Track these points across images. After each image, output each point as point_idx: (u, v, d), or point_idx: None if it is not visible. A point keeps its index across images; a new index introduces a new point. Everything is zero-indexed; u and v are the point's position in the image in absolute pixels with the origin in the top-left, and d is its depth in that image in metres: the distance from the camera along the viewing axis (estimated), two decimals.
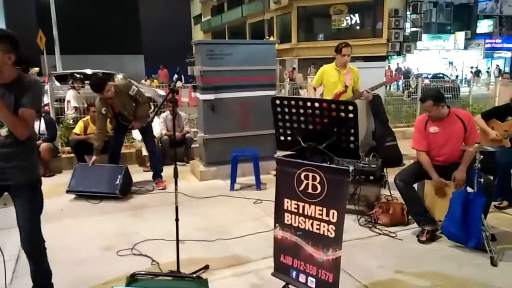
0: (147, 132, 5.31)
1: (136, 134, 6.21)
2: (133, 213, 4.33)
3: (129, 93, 4.99)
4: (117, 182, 4.72)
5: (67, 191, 4.79)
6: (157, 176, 5.30)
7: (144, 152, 6.07)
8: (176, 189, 2.84)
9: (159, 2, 44.20)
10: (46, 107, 7.10)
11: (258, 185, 5.06)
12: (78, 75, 7.91)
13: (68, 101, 7.40)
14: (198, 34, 40.88)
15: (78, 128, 5.83)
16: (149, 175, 5.78)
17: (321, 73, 5.09)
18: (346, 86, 4.90)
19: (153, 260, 3.19)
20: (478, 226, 3.14)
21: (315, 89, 5.16)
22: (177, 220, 2.84)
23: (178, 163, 6.18)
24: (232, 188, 5.05)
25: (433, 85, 12.93)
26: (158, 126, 6.29)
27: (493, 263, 3.05)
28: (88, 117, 5.91)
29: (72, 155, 5.95)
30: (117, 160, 5.34)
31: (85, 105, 6.80)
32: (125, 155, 6.23)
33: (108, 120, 5.19)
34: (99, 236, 3.71)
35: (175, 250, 2.84)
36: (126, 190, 4.88)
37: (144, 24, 40.46)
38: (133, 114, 5.05)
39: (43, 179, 5.59)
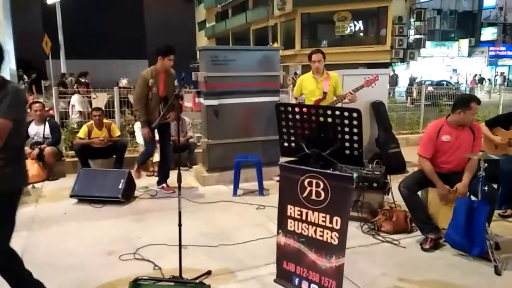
0: (167, 133, 5.13)
1: (140, 138, 6.23)
2: (136, 217, 4.33)
3: (175, 82, 4.86)
4: (120, 186, 4.73)
5: (71, 196, 4.80)
6: (165, 181, 5.27)
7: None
8: (179, 194, 2.84)
9: (164, 7, 44.49)
10: (51, 111, 7.16)
11: (261, 191, 5.05)
12: (83, 80, 7.97)
13: (73, 106, 7.46)
14: (202, 40, 41.08)
15: (82, 132, 5.86)
16: (152, 180, 5.80)
17: (300, 82, 5.19)
18: (325, 93, 4.92)
19: (155, 265, 3.18)
20: (482, 234, 3.12)
21: (296, 98, 5.20)
22: (180, 225, 2.84)
23: (181, 168, 6.20)
24: (235, 193, 5.05)
25: (437, 92, 12.93)
26: None
27: (497, 272, 3.03)
28: (92, 121, 5.93)
29: (76, 159, 5.97)
30: (168, 165, 5.19)
31: (89, 110, 6.84)
32: (128, 159, 6.24)
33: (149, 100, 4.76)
34: (102, 241, 3.71)
35: (177, 255, 2.84)
36: (129, 194, 4.89)
37: (148, 29, 40.75)
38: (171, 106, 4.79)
39: (47, 183, 5.66)
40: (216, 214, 4.44)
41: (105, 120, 6.04)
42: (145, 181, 5.64)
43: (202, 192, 5.21)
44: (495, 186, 3.95)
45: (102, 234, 3.89)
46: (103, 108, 6.70)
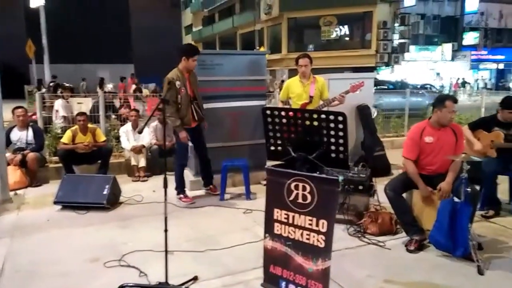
0: (201, 137, 5.00)
1: (125, 143, 6.18)
2: (121, 223, 4.28)
3: (197, 84, 4.84)
4: (105, 192, 4.67)
5: (55, 202, 4.72)
6: (211, 182, 5.25)
7: (133, 162, 6.04)
8: (165, 199, 2.83)
9: (150, 11, 44.26)
10: (34, 116, 7.04)
11: (248, 195, 5.05)
12: (67, 84, 7.87)
13: (57, 111, 7.35)
14: None
15: (66, 138, 5.78)
16: (138, 185, 5.75)
17: (287, 86, 5.21)
18: (311, 97, 4.95)
19: (141, 272, 3.14)
20: (465, 235, 3.17)
21: (283, 102, 5.22)
22: (166, 230, 2.82)
23: (168, 172, 6.15)
24: (222, 198, 5.03)
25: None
26: (148, 136, 6.25)
27: (480, 272, 3.08)
28: (76, 126, 5.86)
29: (60, 165, 5.87)
30: (209, 166, 5.10)
31: (74, 115, 6.75)
32: (113, 165, 6.18)
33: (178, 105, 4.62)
34: (86, 248, 3.65)
35: (163, 261, 2.82)
36: (114, 200, 4.83)
37: (134, 33, 40.45)
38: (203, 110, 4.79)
39: (30, 190, 5.56)
40: (203, 219, 4.42)
41: (89, 125, 5.97)
42: (131, 187, 5.59)
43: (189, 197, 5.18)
44: (478, 187, 4.03)
45: (87, 240, 3.83)
46: (88, 113, 6.62)
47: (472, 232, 3.31)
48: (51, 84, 10.09)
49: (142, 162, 6.06)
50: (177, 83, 4.58)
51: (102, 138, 5.95)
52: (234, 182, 5.44)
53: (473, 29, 28.86)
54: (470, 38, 28.87)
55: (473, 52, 29.09)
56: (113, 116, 7.85)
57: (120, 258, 3.38)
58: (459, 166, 3.47)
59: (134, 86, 16.58)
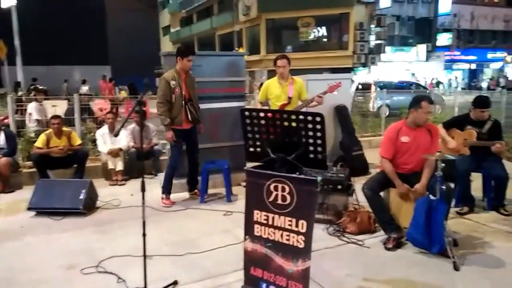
0: (195, 139, 4.97)
1: (102, 147, 6.06)
2: (98, 229, 4.19)
3: (195, 86, 4.85)
4: (81, 197, 4.57)
5: (28, 208, 4.58)
6: (195, 187, 5.21)
7: (111, 166, 5.93)
8: (143, 203, 2.78)
9: (127, 12, 43.66)
10: (6, 120, 6.82)
11: (229, 196, 5.03)
12: (40, 87, 7.66)
13: (30, 114, 7.14)
14: (167, 45, 40.61)
15: (40, 142, 5.61)
16: (115, 189, 5.65)
17: (265, 87, 5.21)
18: (290, 98, 4.98)
19: (119, 278, 3.08)
20: (441, 232, 3.25)
21: (262, 103, 5.23)
22: (144, 235, 2.77)
23: (146, 176, 6.07)
24: (202, 200, 5.00)
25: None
26: (125, 139, 6.15)
27: (456, 268, 3.16)
28: (50, 130, 5.70)
29: (34, 170, 5.71)
30: (196, 172, 5.07)
31: (48, 118, 6.57)
32: (89, 169, 6.05)
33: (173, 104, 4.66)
34: (62, 254, 3.56)
35: (142, 266, 2.77)
36: (90, 205, 4.72)
37: (111, 34, 39.76)
38: (199, 112, 4.82)
39: (2, 196, 5.40)
40: (182, 222, 4.37)
41: (64, 128, 5.82)
42: (108, 191, 5.48)
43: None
44: (452, 185, 4.13)
45: (62, 247, 3.73)
46: (63, 116, 6.46)
47: (448, 229, 3.39)
48: (31, 87, 9.78)
49: (120, 166, 5.95)
50: (172, 82, 4.61)
51: (77, 141, 5.81)
52: (215, 183, 5.40)
53: (446, 30, 29.64)
54: (443, 39, 29.64)
55: (446, 53, 29.87)
56: (89, 119, 7.68)
57: (98, 264, 3.30)
58: (433, 165, 3.55)
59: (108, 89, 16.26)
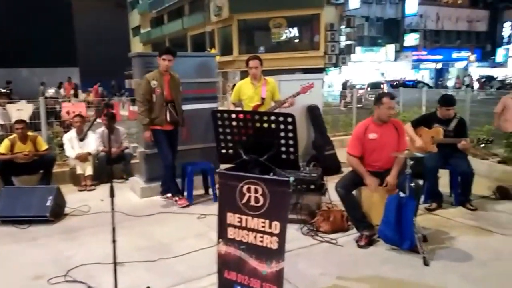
0: (175, 140, 4.96)
1: (70, 151, 5.87)
2: (67, 236, 4.05)
3: (180, 89, 4.86)
4: (48, 204, 4.40)
5: None
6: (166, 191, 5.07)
7: (79, 171, 5.75)
8: (112, 208, 2.70)
9: (95, 12, 42.59)
10: None
11: (216, 197, 4.96)
12: (3, 90, 7.35)
13: None
14: (137, 46, 39.93)
15: (3, 147, 5.37)
16: (85, 195, 5.49)
17: (238, 88, 5.20)
18: (263, 98, 4.99)
19: (89, 286, 2.99)
20: (411, 228, 3.32)
21: (234, 104, 5.22)
22: (114, 241, 2.69)
23: (117, 180, 5.93)
24: (191, 202, 4.93)
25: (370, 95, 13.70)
26: (94, 143, 5.98)
27: (426, 263, 3.23)
28: (15, 135, 5.47)
29: None
30: (174, 176, 4.92)
31: (12, 122, 6.31)
32: (57, 174, 5.84)
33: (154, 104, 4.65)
34: (28, 264, 3.41)
35: (113, 274, 2.69)
36: (58, 212, 4.56)
37: (78, 34, 38.66)
38: (181, 115, 4.82)
39: None
40: (155, 227, 4.29)
41: (29, 133, 5.59)
42: (77, 197, 5.32)
43: (140, 205, 5.01)
44: (421, 182, 4.23)
45: (28, 256, 3.59)
46: (28, 120, 6.21)
47: (417, 225, 3.47)
48: (2, 90, 9.36)
49: (89, 171, 5.78)
50: (153, 82, 4.63)
51: (43, 146, 5.59)
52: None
53: (413, 30, 30.51)
54: (411, 39, 30.49)
55: (414, 53, 30.74)
56: (56, 123, 7.43)
57: (66, 274, 3.19)
58: (402, 160, 3.64)
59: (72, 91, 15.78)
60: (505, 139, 6.27)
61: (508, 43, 34.73)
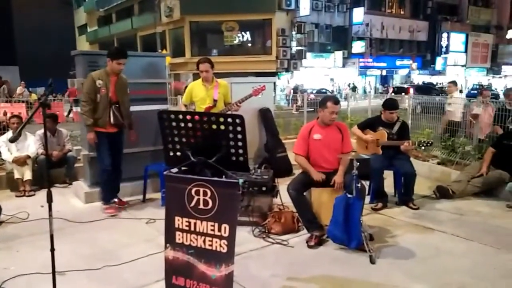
0: (119, 142, 4.76)
1: (6, 154, 5.46)
2: (2, 245, 3.75)
3: (128, 91, 4.68)
4: None
5: None
6: (115, 195, 4.87)
7: (17, 175, 5.37)
8: (50, 215, 2.53)
9: (36, 8, 40.30)
10: None
11: (164, 201, 4.82)
12: None
13: None
14: (83, 45, 38.25)
15: None
16: (23, 201, 5.13)
17: (190, 89, 5.15)
18: (215, 100, 4.97)
19: None
20: (358, 228, 3.42)
21: (186, 106, 5.16)
22: (52, 250, 2.52)
23: (59, 185, 5.61)
24: (144, 200, 4.86)
25: (318, 99, 14.04)
26: (34, 145, 5.61)
27: (372, 261, 3.34)
28: None
29: None
30: (119, 177, 4.80)
31: None
32: None
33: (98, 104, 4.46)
34: None
35: (52, 285, 2.52)
36: None
37: (18, 33, 36.40)
38: (127, 118, 4.64)
39: None
40: (100, 233, 4.08)
41: None
42: (14, 203, 4.96)
43: (84, 210, 4.76)
44: (367, 182, 4.39)
45: None
46: None
47: (364, 224, 3.58)
48: None
49: (28, 175, 5.41)
50: (98, 81, 4.44)
51: None
52: (133, 191, 5.17)
53: (360, 38, 31.76)
54: (357, 46, 31.73)
55: (361, 60, 32.01)
56: None
57: (1, 285, 2.95)
58: (347, 161, 3.81)
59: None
60: (443, 142, 6.68)
61: (445, 52, 37.15)
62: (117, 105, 4.58)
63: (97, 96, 4.47)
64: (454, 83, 8.60)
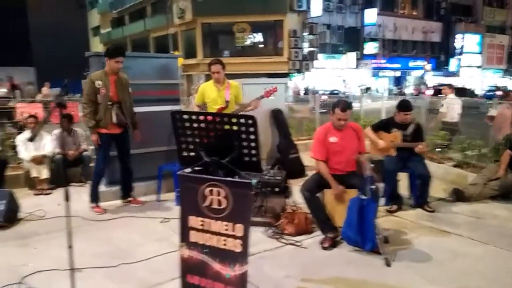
0: (126, 142, 4.78)
1: (24, 154, 5.57)
2: (21, 242, 3.83)
3: (129, 90, 4.64)
4: (1, 208, 4.16)
5: None
6: (129, 194, 4.99)
7: (34, 174, 5.47)
8: (68, 212, 2.58)
9: (51, 12, 40.97)
10: None
11: (178, 200, 4.86)
12: None
13: None
14: (97, 46, 38.77)
15: None
16: (41, 199, 5.22)
17: (202, 90, 5.18)
18: (227, 101, 4.99)
19: None
20: (372, 230, 3.39)
21: (199, 107, 5.19)
22: (70, 247, 2.57)
23: (75, 184, 5.69)
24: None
25: (330, 100, 14.00)
26: (50, 145, 5.71)
27: (387, 264, 3.31)
28: None
29: None
30: (130, 177, 4.89)
31: None
32: (10, 178, 5.53)
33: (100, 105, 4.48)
34: None
35: (70, 281, 2.56)
36: (11, 217, 4.31)
37: (34, 35, 37.04)
38: (129, 117, 4.64)
39: None
40: (115, 231, 4.14)
41: None
42: (32, 201, 5.05)
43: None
44: (381, 184, 4.35)
45: None
46: None
47: (378, 226, 3.56)
48: None
49: (45, 174, 5.51)
50: (98, 82, 4.44)
51: None
52: (148, 190, 5.22)
53: (372, 39, 31.56)
54: (370, 47, 31.54)
55: (373, 61, 31.81)
56: (9, 124, 7.05)
57: (20, 281, 3.02)
58: (367, 159, 3.74)
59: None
60: (459, 144, 6.59)
61: (460, 53, 36.69)
62: (119, 105, 4.59)
63: (97, 97, 4.47)
64: (449, 86, 8.80)
